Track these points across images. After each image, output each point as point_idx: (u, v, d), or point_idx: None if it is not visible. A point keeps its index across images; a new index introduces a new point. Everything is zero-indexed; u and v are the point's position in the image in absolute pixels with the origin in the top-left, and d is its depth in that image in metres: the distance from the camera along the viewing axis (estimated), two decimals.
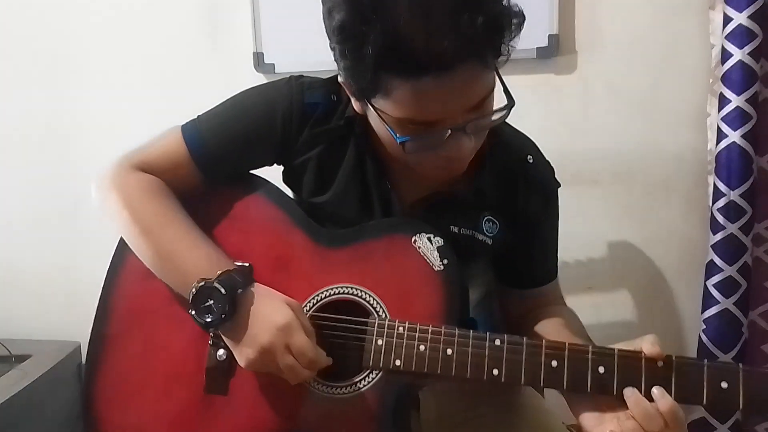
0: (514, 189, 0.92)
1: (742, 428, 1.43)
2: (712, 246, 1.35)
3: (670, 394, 0.69)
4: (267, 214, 0.91)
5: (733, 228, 1.32)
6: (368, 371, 0.80)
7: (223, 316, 0.78)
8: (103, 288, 0.93)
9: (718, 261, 1.34)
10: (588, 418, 0.74)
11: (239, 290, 0.80)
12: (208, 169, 0.91)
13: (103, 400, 0.88)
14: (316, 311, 0.84)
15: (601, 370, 0.73)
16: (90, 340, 0.91)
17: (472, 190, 0.89)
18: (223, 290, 0.78)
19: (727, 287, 1.33)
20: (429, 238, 0.83)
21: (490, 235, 0.92)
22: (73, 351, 1.53)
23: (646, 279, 1.47)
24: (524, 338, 0.76)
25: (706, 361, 0.70)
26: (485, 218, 0.92)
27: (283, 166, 0.96)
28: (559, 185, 0.97)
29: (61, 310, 1.60)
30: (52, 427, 1.43)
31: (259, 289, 0.82)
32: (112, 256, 0.95)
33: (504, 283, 1.02)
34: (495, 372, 0.76)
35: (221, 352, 0.85)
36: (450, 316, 0.80)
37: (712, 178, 1.36)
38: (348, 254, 0.86)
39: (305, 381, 0.80)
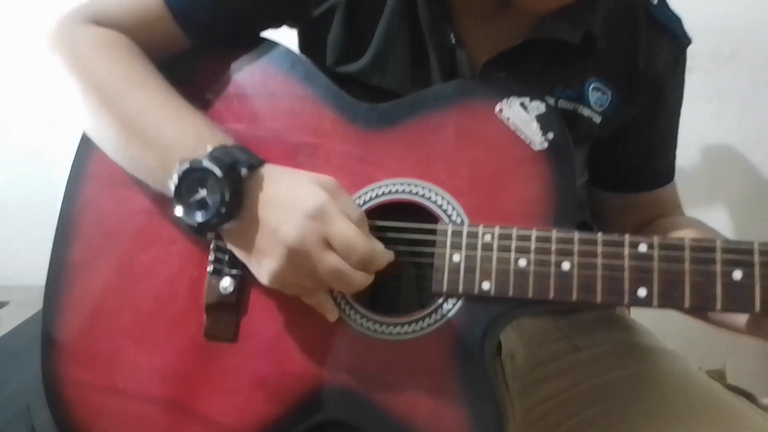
0: (634, 36, 0.65)
1: None
2: None
3: None
4: (279, 88, 0.64)
5: None
6: (441, 300, 0.55)
7: (222, 210, 0.52)
8: (62, 203, 0.68)
9: None
10: None
11: (243, 170, 0.53)
12: (191, 26, 0.64)
13: (66, 353, 0.63)
14: None
15: None
16: (48, 273, 0.67)
17: (581, 32, 0.61)
18: (219, 172, 0.52)
19: None
20: (523, 104, 0.56)
21: (599, 109, 0.65)
22: None
23: (748, 189, 1.19)
24: (686, 239, 0.50)
25: None
26: (592, 85, 0.65)
27: (299, 24, 0.68)
28: (690, 41, 0.69)
29: (43, 250, 1.36)
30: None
31: (274, 169, 0.56)
32: (72, 160, 0.69)
33: (604, 186, 0.75)
34: (642, 293, 0.49)
35: (226, 282, 0.59)
36: (562, 214, 0.54)
37: None
38: (400, 136, 0.59)
39: (362, 288, 0.54)
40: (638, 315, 0.85)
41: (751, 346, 0.97)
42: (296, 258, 0.51)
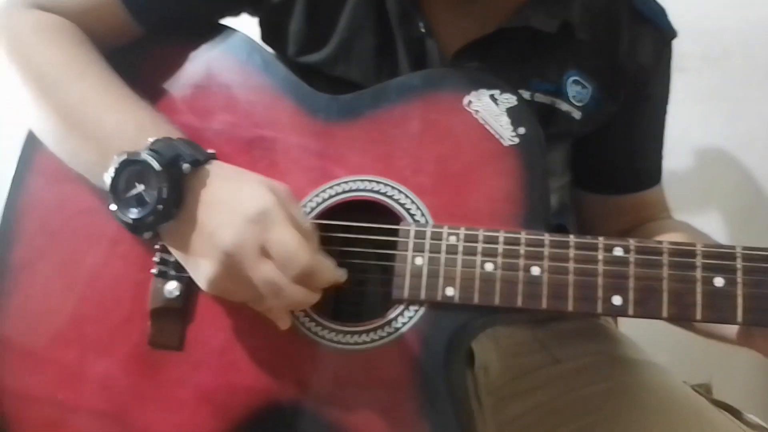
0: (616, 28, 0.61)
1: None
2: None
3: None
4: (235, 78, 0.59)
5: None
6: (402, 307, 0.50)
7: (159, 207, 0.47)
8: (6, 201, 0.64)
9: None
10: None
11: (185, 166, 0.49)
12: (142, 13, 0.60)
13: (3, 362, 0.58)
14: (318, 218, 0.54)
15: None
16: None
17: (557, 21, 0.57)
18: (157, 166, 0.47)
19: None
20: (492, 96, 0.52)
21: (579, 104, 0.61)
22: None
23: (742, 195, 1.15)
24: (664, 242, 0.46)
25: None
26: (571, 78, 0.61)
27: (258, 13, 0.64)
28: (676, 34, 0.65)
29: None
30: None
31: (221, 168, 0.51)
32: (19, 155, 0.65)
33: (588, 187, 0.71)
34: (617, 300, 0.45)
35: (172, 285, 0.55)
36: (532, 215, 0.50)
37: None
38: (362, 130, 0.55)
39: (301, 309, 0.50)
40: (626, 325, 0.81)
41: (740, 359, 0.93)
42: (232, 264, 0.46)
